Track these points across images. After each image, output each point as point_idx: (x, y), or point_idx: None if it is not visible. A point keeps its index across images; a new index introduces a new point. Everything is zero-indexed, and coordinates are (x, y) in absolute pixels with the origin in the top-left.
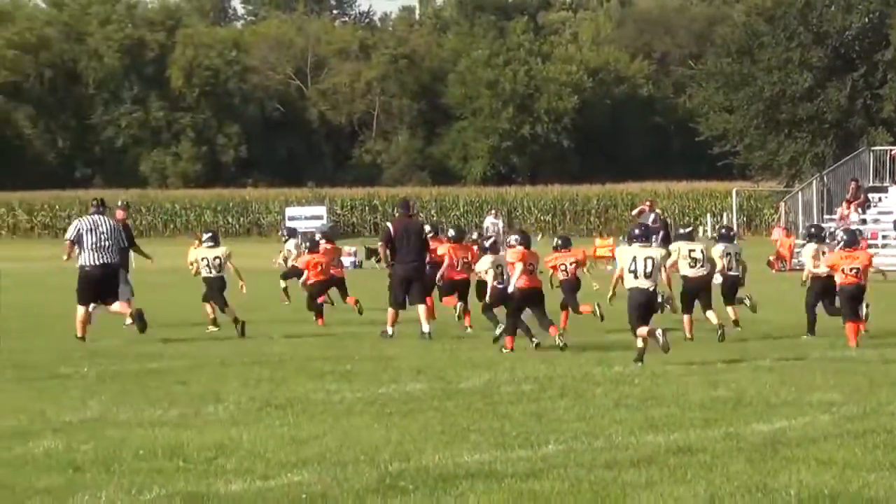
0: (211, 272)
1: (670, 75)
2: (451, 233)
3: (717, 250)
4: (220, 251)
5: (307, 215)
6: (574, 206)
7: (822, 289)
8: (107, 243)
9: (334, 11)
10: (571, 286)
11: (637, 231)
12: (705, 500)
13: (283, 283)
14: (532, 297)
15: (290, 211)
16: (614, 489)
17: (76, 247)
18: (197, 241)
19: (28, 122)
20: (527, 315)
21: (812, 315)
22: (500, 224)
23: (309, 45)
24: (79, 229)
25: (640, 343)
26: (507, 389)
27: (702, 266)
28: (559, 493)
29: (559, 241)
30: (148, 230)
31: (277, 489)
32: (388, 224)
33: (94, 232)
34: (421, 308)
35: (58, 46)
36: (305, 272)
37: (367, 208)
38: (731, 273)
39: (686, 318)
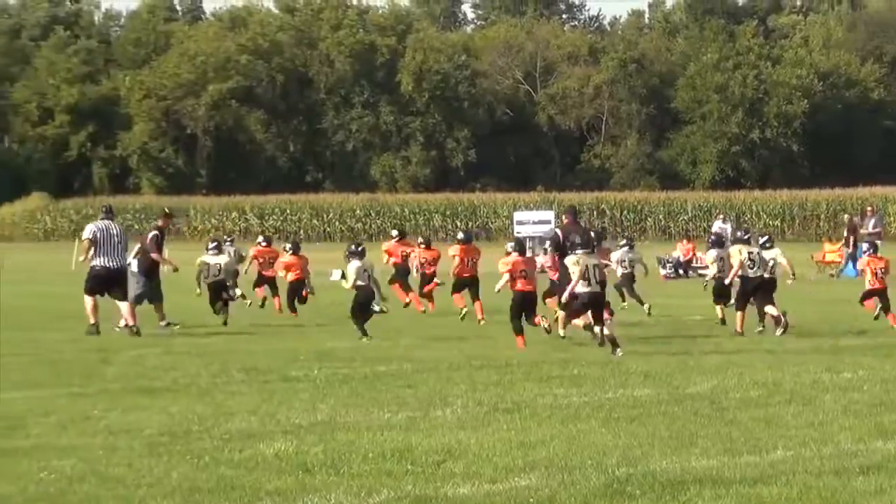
0: (217, 276)
1: None
2: (461, 235)
3: (711, 255)
4: (222, 259)
5: (535, 220)
6: (803, 210)
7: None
8: (118, 247)
9: (564, 16)
10: None
11: (579, 240)
12: None
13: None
14: (528, 300)
15: (518, 215)
16: (843, 496)
17: (92, 248)
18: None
19: (260, 126)
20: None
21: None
22: (729, 228)
23: (538, 49)
24: (94, 232)
25: (608, 331)
26: (734, 395)
27: (758, 268)
28: (787, 500)
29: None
30: (378, 234)
31: (505, 493)
32: (557, 230)
33: (105, 235)
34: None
35: (290, 51)
36: (284, 272)
37: (594, 212)
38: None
39: (739, 315)
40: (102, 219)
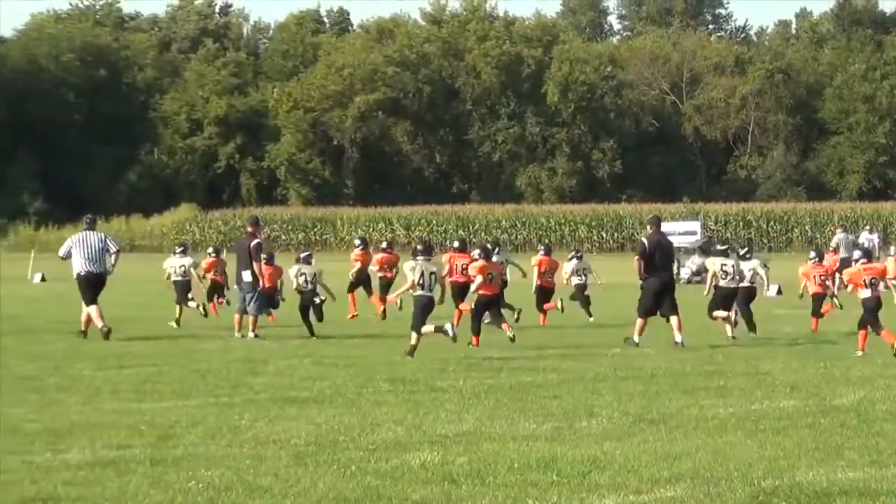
0: (179, 277)
1: None
2: (456, 244)
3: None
4: (186, 261)
5: (681, 231)
6: None
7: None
8: (95, 255)
9: (710, 26)
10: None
11: (420, 248)
12: None
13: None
14: (491, 301)
15: (663, 226)
16: None
17: (70, 260)
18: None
19: (407, 137)
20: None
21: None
22: (876, 239)
23: (684, 59)
24: (69, 246)
25: (413, 341)
26: (881, 407)
27: (732, 278)
28: None
29: (543, 249)
30: (524, 245)
31: None
32: (644, 239)
33: (83, 244)
34: (673, 320)
35: (436, 63)
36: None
37: (741, 224)
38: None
39: (722, 317)
40: (84, 229)
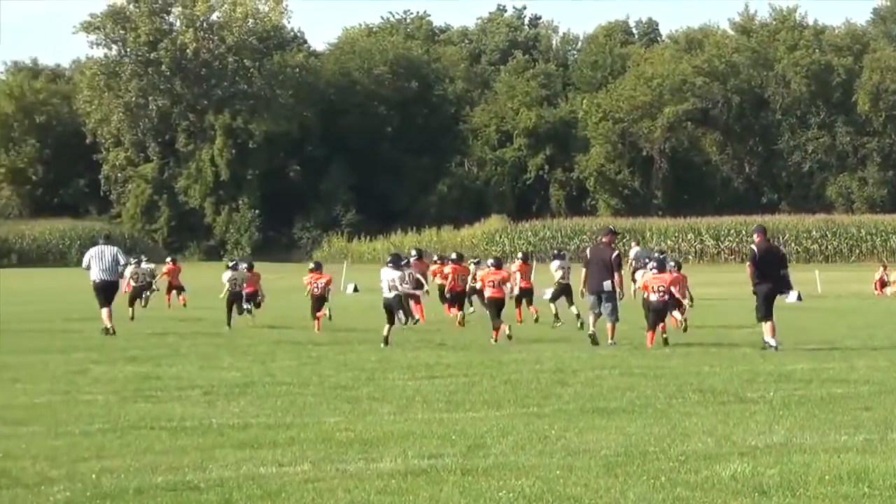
0: (137, 282)
1: None
2: (454, 256)
3: (554, 265)
4: (147, 267)
5: None
6: None
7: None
8: (109, 266)
9: None
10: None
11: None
12: None
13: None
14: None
15: None
16: None
17: (89, 270)
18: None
19: (715, 148)
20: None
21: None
22: None
23: None
24: (90, 258)
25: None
26: None
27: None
28: None
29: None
30: (833, 255)
31: None
32: (753, 247)
33: (101, 257)
34: (766, 325)
35: (745, 73)
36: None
37: None
38: (564, 282)
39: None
40: (100, 244)
